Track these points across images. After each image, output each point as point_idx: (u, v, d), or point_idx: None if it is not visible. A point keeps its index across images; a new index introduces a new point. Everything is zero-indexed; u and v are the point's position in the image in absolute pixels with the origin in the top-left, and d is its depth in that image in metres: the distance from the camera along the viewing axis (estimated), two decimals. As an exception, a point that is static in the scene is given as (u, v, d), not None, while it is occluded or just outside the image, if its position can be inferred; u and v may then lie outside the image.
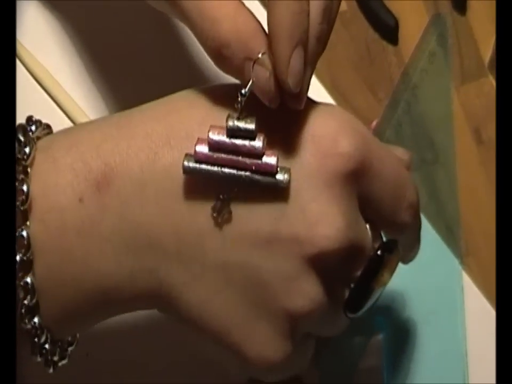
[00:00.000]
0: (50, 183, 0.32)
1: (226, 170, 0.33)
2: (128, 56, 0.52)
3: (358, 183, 0.34)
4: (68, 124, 0.49)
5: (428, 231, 0.51)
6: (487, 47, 0.56)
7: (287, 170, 0.33)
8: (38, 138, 0.34)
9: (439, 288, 0.50)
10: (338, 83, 0.54)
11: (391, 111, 0.54)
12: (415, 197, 0.38)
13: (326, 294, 0.34)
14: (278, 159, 0.33)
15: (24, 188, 0.32)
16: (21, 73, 0.50)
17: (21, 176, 0.32)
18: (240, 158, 0.33)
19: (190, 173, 0.33)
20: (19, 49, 0.50)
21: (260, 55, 0.33)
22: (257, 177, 0.33)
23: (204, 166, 0.33)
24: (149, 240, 0.33)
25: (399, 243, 0.37)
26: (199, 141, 0.33)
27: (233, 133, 0.33)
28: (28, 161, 0.32)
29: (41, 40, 0.51)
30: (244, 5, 0.34)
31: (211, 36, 0.33)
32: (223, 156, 0.33)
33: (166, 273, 0.33)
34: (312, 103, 0.35)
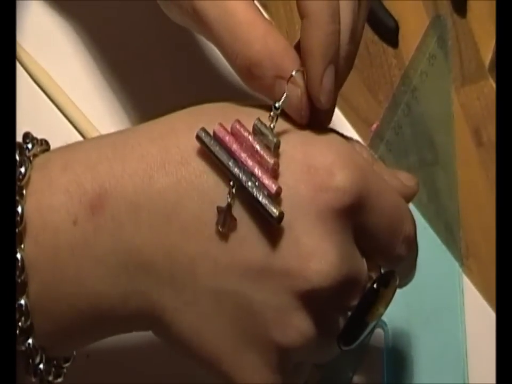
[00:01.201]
0: (44, 204, 0.32)
1: (232, 163, 0.32)
2: (130, 59, 0.52)
3: (353, 217, 0.34)
4: (67, 126, 0.49)
5: (427, 232, 0.51)
6: (487, 49, 0.56)
7: (282, 212, 0.32)
8: (35, 155, 0.34)
9: (439, 290, 0.50)
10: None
11: (392, 113, 0.54)
12: (412, 229, 0.37)
13: (318, 327, 0.34)
14: (279, 191, 0.32)
15: (19, 209, 0.32)
16: (21, 76, 0.50)
17: (16, 197, 0.32)
18: (250, 161, 0.33)
19: (202, 142, 0.33)
20: (19, 51, 0.50)
21: (293, 73, 0.34)
22: (256, 191, 0.32)
23: (216, 144, 0.32)
24: (142, 263, 0.33)
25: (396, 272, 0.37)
26: (222, 125, 0.33)
27: (255, 134, 0.33)
28: (23, 182, 0.32)
29: (42, 43, 0.51)
30: (272, 24, 0.35)
31: (241, 55, 0.34)
32: (238, 147, 0.33)
33: (158, 296, 0.33)
34: (312, 131, 0.35)
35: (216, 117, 0.34)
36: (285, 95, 0.34)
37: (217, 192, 0.33)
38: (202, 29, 0.36)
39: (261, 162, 0.33)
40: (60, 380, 0.35)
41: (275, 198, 0.32)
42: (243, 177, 0.32)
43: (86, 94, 0.51)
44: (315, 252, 0.33)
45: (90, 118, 0.49)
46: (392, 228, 0.36)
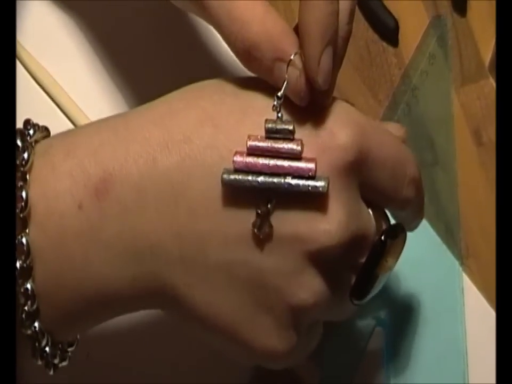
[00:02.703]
0: (49, 190, 0.32)
1: (264, 179, 0.33)
2: (130, 57, 0.52)
3: (358, 172, 0.35)
4: (68, 125, 0.49)
5: (428, 232, 0.51)
6: (487, 49, 0.56)
7: (325, 178, 0.33)
8: (36, 142, 0.34)
9: (439, 290, 0.50)
10: (338, 83, 0.53)
11: (391, 113, 0.54)
12: (416, 170, 0.38)
13: (329, 285, 0.34)
14: (316, 164, 0.33)
15: (23, 194, 0.32)
16: (22, 75, 0.50)
17: (20, 182, 0.32)
18: (278, 162, 0.33)
19: (229, 184, 0.33)
20: (20, 51, 0.50)
21: (292, 56, 0.33)
22: (295, 182, 0.33)
23: (242, 176, 0.33)
24: (150, 245, 0.33)
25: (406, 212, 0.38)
26: (237, 152, 0.33)
27: (271, 135, 0.33)
28: (26, 167, 0.32)
29: (42, 42, 0.51)
30: (271, 6, 0.35)
31: (240, 37, 0.34)
32: (262, 160, 0.33)
33: (169, 276, 0.33)
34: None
35: (214, 92, 0.35)
36: (286, 82, 0.34)
37: (222, 167, 0.33)
38: (202, 11, 0.36)
39: (290, 157, 0.33)
40: (65, 363, 0.35)
41: (315, 173, 0.33)
42: (282, 184, 0.33)
43: (86, 93, 0.51)
44: (322, 212, 0.33)
45: (91, 116, 0.49)
46: (396, 174, 0.37)
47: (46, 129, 0.36)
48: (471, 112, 0.55)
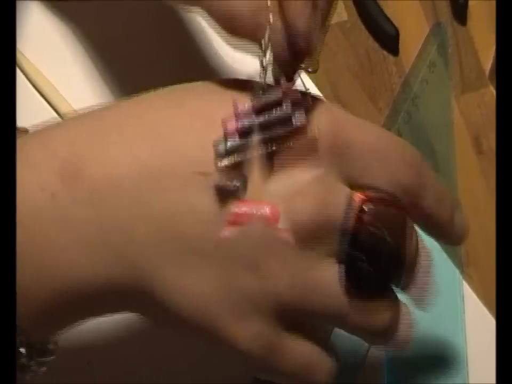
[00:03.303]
0: (22, 181, 0.32)
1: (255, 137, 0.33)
2: (128, 62, 0.52)
3: (338, 163, 0.34)
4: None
5: (428, 239, 0.51)
6: (488, 57, 0.56)
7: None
8: None
9: (440, 297, 0.50)
10: (339, 92, 0.54)
11: (392, 121, 0.54)
12: (413, 154, 0.37)
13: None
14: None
15: None
16: (21, 81, 0.50)
17: None
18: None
19: (221, 156, 0.33)
20: (19, 57, 0.50)
21: (268, 3, 0.33)
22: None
23: (235, 141, 0.33)
24: (125, 234, 0.32)
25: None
26: (224, 120, 0.33)
27: (259, 106, 0.33)
28: None
29: (41, 48, 0.51)
30: None
31: (223, 10, 0.34)
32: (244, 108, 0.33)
33: (145, 265, 0.33)
34: None
35: (202, 91, 0.35)
36: (268, 44, 0.34)
37: (200, 154, 0.33)
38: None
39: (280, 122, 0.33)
40: (43, 368, 0.34)
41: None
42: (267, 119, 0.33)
43: (86, 100, 0.50)
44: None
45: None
46: (387, 162, 0.35)
47: (25, 130, 0.35)
48: (471, 120, 0.55)
